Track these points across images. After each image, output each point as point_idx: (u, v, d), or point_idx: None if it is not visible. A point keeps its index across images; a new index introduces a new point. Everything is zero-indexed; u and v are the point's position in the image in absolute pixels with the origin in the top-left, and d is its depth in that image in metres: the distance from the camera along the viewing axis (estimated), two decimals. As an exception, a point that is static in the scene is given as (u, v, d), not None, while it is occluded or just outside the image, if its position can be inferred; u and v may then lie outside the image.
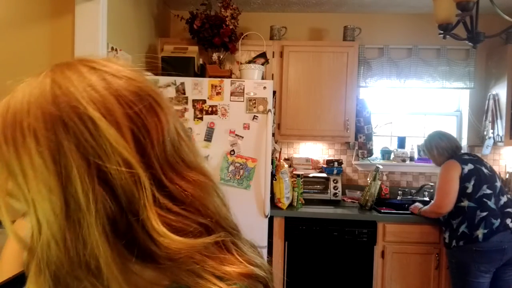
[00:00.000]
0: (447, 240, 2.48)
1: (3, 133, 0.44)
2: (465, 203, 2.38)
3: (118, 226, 0.42)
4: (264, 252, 2.59)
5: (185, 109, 2.56)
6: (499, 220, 2.29)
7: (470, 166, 2.43)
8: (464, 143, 3.37)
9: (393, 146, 3.47)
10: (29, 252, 0.44)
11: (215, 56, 2.86)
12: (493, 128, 3.17)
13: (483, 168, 2.43)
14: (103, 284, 0.42)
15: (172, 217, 0.43)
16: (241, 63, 2.82)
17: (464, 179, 2.40)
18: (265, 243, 2.59)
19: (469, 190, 2.38)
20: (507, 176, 3.25)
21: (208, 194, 0.48)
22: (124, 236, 0.42)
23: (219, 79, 2.59)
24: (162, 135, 0.46)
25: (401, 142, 3.41)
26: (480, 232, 2.30)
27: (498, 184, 2.43)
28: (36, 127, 0.42)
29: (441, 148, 2.59)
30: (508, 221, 2.31)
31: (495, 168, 3.01)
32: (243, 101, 2.55)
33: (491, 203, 2.33)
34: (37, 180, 0.42)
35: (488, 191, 2.36)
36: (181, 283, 0.43)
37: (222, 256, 0.45)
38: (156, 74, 2.72)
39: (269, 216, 2.60)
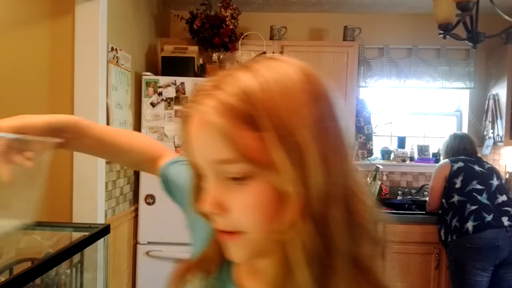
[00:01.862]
0: (443, 237, 2.53)
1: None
2: (455, 198, 2.44)
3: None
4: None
5: (185, 109, 2.56)
6: (492, 215, 2.30)
7: (460, 164, 2.51)
8: (464, 143, 3.37)
9: (393, 146, 3.47)
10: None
11: (215, 56, 2.86)
12: (493, 128, 3.17)
13: (476, 166, 2.48)
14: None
15: None
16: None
17: (452, 176, 2.49)
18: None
19: (458, 185, 2.45)
20: (507, 176, 3.25)
21: None
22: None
23: (219, 79, 2.58)
24: None
25: (401, 142, 3.41)
26: (470, 225, 2.32)
27: (495, 182, 2.43)
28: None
29: (449, 148, 2.69)
30: (504, 219, 2.31)
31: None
32: (243, 101, 2.55)
33: (482, 198, 2.36)
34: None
35: (479, 187, 2.39)
36: None
37: None
38: (156, 74, 2.72)
39: (269, 216, 2.60)
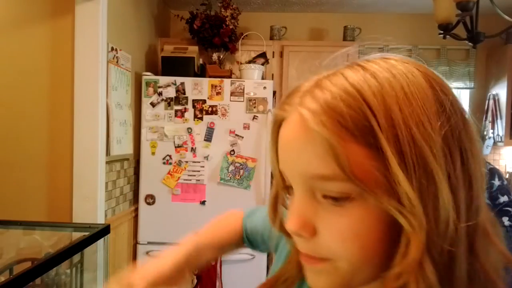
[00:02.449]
0: None
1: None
2: None
3: None
4: (264, 252, 2.59)
5: (185, 109, 2.56)
6: (492, 215, 2.30)
7: None
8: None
9: (393, 146, 3.46)
10: None
11: (215, 56, 2.86)
12: (493, 128, 3.17)
13: None
14: None
15: None
16: (241, 63, 2.82)
17: None
18: (265, 243, 2.59)
19: None
20: (507, 176, 3.25)
21: None
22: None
23: (219, 79, 2.59)
24: None
25: (401, 142, 3.41)
26: None
27: (497, 183, 2.43)
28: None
29: None
30: (505, 219, 2.31)
31: (495, 168, 3.01)
32: (243, 101, 2.55)
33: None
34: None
35: None
36: None
37: None
38: (156, 74, 2.72)
39: (269, 216, 2.60)
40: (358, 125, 0.34)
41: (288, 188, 0.41)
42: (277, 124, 0.41)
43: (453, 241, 0.34)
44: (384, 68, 0.37)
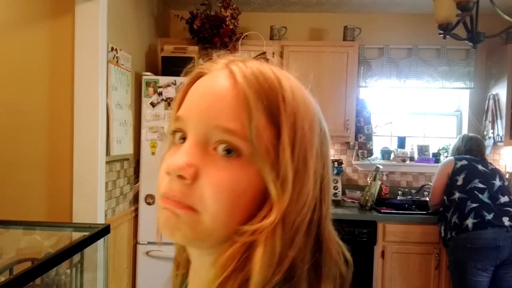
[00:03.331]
0: (442, 234, 2.53)
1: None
2: (456, 195, 2.45)
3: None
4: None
5: (185, 109, 2.56)
6: (493, 214, 2.30)
7: (463, 162, 2.53)
8: (464, 143, 3.37)
9: (393, 146, 3.47)
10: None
11: (215, 56, 2.85)
12: (493, 128, 3.17)
13: (479, 166, 2.49)
14: None
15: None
16: (241, 63, 2.82)
17: (455, 173, 2.51)
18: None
19: (459, 182, 2.47)
20: (507, 176, 3.24)
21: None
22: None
23: (219, 79, 2.58)
24: None
25: (401, 142, 3.41)
26: (469, 222, 2.33)
27: (498, 183, 2.43)
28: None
29: (455, 148, 2.74)
30: (505, 219, 2.31)
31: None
32: (243, 101, 2.55)
33: (483, 197, 2.37)
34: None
35: (481, 185, 2.40)
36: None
37: None
38: (156, 74, 2.72)
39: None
40: (271, 103, 0.40)
41: (175, 133, 0.44)
42: (197, 76, 0.45)
43: (303, 221, 0.40)
44: (294, 78, 0.46)
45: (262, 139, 0.39)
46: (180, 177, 0.39)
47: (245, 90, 0.40)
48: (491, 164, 2.57)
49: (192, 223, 0.40)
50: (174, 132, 0.44)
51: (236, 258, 0.38)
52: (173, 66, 2.67)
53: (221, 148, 0.40)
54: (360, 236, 2.79)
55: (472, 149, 2.63)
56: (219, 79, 0.42)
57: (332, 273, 0.43)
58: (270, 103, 0.40)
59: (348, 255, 0.46)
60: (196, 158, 0.40)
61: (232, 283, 0.37)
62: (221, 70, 0.43)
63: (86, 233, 1.60)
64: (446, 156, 3.15)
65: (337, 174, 3.20)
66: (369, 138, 3.24)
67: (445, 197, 2.53)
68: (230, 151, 0.39)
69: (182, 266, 0.52)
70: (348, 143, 3.32)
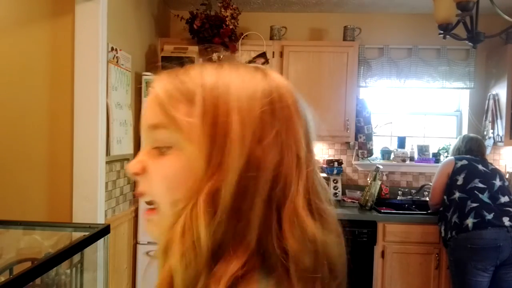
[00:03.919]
0: (443, 234, 2.53)
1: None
2: (457, 194, 2.45)
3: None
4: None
5: (185, 109, 2.56)
6: (493, 214, 2.31)
7: (463, 162, 2.53)
8: (464, 143, 3.37)
9: (393, 146, 3.47)
10: None
11: (215, 56, 2.85)
12: (493, 128, 3.17)
13: (480, 166, 2.49)
14: None
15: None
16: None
17: (455, 172, 2.51)
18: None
19: (460, 182, 2.47)
20: (507, 176, 3.25)
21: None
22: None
23: (219, 79, 2.58)
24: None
25: (401, 142, 3.41)
26: (469, 221, 2.33)
27: (498, 183, 2.43)
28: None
29: (456, 148, 2.75)
30: (505, 219, 2.31)
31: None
32: (243, 101, 2.55)
33: (483, 196, 2.37)
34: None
35: (481, 185, 2.40)
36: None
37: None
38: (156, 74, 2.72)
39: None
40: (185, 91, 0.46)
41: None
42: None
43: (246, 193, 0.42)
44: (234, 67, 0.49)
45: (178, 121, 0.45)
46: (135, 174, 0.49)
47: (156, 93, 0.48)
48: (491, 164, 2.57)
49: (158, 217, 0.48)
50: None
51: (182, 222, 0.43)
52: (173, 66, 2.67)
53: (156, 150, 0.48)
54: (360, 236, 2.79)
55: (472, 150, 2.63)
56: (148, 97, 0.51)
57: (274, 264, 0.42)
58: (187, 91, 0.46)
59: (336, 248, 0.47)
60: (144, 158, 0.49)
61: (183, 241, 0.42)
62: (152, 82, 0.51)
63: (86, 233, 1.60)
64: (446, 156, 3.15)
65: (337, 174, 3.20)
66: (369, 138, 3.24)
67: (445, 197, 2.53)
68: (161, 148, 0.47)
69: None
70: (348, 143, 3.32)
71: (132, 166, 0.49)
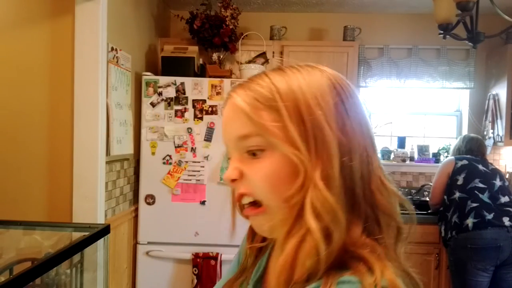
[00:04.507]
0: (443, 234, 2.53)
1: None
2: (457, 194, 2.45)
3: None
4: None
5: (185, 109, 2.56)
6: (493, 214, 2.30)
7: (464, 162, 2.53)
8: (464, 143, 3.37)
9: (393, 146, 3.47)
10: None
11: (215, 56, 2.85)
12: (493, 128, 3.17)
13: (480, 165, 2.49)
14: None
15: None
16: (241, 63, 2.82)
17: (455, 172, 2.51)
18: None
19: (460, 182, 2.46)
20: (507, 176, 3.25)
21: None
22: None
23: (219, 79, 2.59)
24: None
25: (401, 142, 3.41)
26: (469, 221, 2.33)
27: (498, 183, 2.43)
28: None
29: (456, 148, 2.75)
30: (505, 219, 2.31)
31: (495, 168, 3.01)
32: (243, 101, 2.55)
33: (483, 196, 2.36)
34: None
35: (481, 185, 2.39)
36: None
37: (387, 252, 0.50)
38: (156, 74, 2.72)
39: (269, 216, 2.60)
40: (267, 99, 0.51)
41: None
42: (223, 108, 0.58)
43: (347, 173, 0.49)
44: (293, 69, 0.55)
45: (272, 127, 0.50)
46: (232, 180, 0.54)
47: (238, 105, 0.52)
48: (491, 164, 2.57)
49: (266, 214, 0.53)
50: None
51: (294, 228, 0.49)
52: (173, 66, 2.67)
53: (248, 154, 0.53)
54: (360, 236, 2.79)
55: (472, 150, 2.63)
56: (226, 107, 0.55)
57: (386, 223, 0.51)
58: (266, 99, 0.51)
59: (408, 205, 0.54)
60: (238, 164, 0.54)
61: (321, 219, 0.47)
62: (228, 99, 0.55)
63: (86, 233, 1.60)
64: (446, 156, 3.15)
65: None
66: (369, 138, 3.24)
67: (445, 197, 2.53)
68: (254, 153, 0.52)
69: (256, 240, 0.65)
70: (348, 143, 3.32)
71: (229, 174, 0.54)
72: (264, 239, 0.63)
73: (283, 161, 0.50)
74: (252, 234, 0.65)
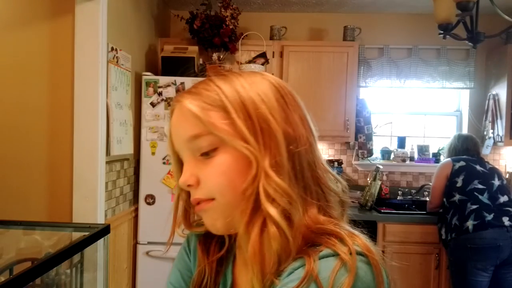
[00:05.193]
0: (443, 236, 2.53)
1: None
2: (456, 197, 2.45)
3: None
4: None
5: (185, 109, 2.56)
6: (493, 215, 2.30)
7: (461, 163, 2.52)
8: (464, 143, 3.37)
9: (393, 146, 3.47)
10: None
11: (215, 56, 2.85)
12: (493, 128, 3.17)
13: (477, 166, 2.49)
14: None
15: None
16: (241, 63, 2.82)
17: (454, 174, 2.50)
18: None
19: (459, 184, 2.46)
20: (507, 176, 3.25)
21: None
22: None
23: (219, 79, 2.58)
24: None
25: (401, 142, 3.41)
26: (470, 223, 2.33)
27: (497, 183, 2.43)
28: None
29: (452, 147, 2.72)
30: (505, 219, 2.31)
31: (495, 168, 3.01)
32: (243, 101, 2.55)
33: (483, 198, 2.36)
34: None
35: (480, 186, 2.39)
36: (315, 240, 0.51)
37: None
38: (156, 74, 2.72)
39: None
40: (213, 100, 0.55)
41: (181, 165, 0.59)
42: (170, 116, 0.60)
43: (296, 159, 0.54)
44: (236, 74, 0.58)
45: (221, 125, 0.53)
46: (189, 186, 0.56)
47: (187, 108, 0.55)
48: (488, 163, 2.57)
49: (214, 207, 0.55)
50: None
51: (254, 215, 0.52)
52: (173, 66, 2.67)
53: (201, 156, 0.55)
54: (360, 236, 2.79)
55: (469, 149, 2.63)
56: (174, 113, 0.58)
57: (334, 200, 0.58)
58: (213, 100, 0.54)
59: (343, 182, 0.62)
60: (193, 168, 0.56)
61: (276, 205, 0.51)
62: (176, 105, 0.58)
63: (86, 233, 1.60)
64: (446, 156, 3.14)
65: (337, 174, 3.20)
66: (369, 138, 3.24)
67: (444, 199, 2.53)
68: (207, 153, 0.54)
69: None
70: (348, 143, 3.32)
71: (186, 179, 0.56)
72: (220, 248, 0.65)
73: (236, 155, 0.53)
74: (205, 247, 0.66)
